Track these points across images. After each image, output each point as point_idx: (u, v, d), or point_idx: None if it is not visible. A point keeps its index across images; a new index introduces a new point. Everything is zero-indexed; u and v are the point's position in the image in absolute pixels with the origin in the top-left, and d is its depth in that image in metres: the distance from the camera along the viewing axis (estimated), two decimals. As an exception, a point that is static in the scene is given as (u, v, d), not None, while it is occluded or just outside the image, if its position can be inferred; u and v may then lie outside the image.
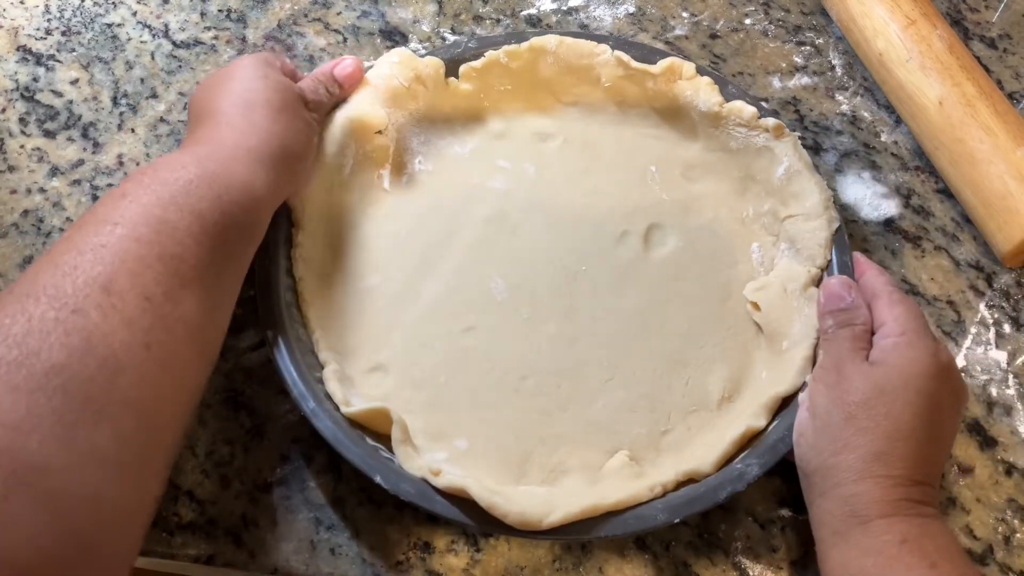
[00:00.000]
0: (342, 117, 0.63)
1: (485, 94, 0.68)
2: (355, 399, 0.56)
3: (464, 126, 0.68)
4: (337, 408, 0.55)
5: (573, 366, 0.59)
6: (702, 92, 0.64)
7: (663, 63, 0.65)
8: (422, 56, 0.66)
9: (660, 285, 0.62)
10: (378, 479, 0.52)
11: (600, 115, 0.68)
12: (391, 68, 0.65)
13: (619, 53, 0.66)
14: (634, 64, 0.66)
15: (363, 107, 0.64)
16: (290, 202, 0.61)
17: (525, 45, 0.67)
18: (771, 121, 0.63)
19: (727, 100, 0.64)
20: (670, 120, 0.67)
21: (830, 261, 0.60)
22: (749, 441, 0.55)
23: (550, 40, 0.67)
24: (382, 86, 0.65)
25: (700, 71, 0.65)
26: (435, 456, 0.55)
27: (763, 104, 0.65)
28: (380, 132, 0.65)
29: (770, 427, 0.55)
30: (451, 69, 0.67)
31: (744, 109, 0.63)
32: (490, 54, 0.67)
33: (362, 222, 0.64)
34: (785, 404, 0.56)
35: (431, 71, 0.66)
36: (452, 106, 0.68)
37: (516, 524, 0.50)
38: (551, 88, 0.68)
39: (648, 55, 0.67)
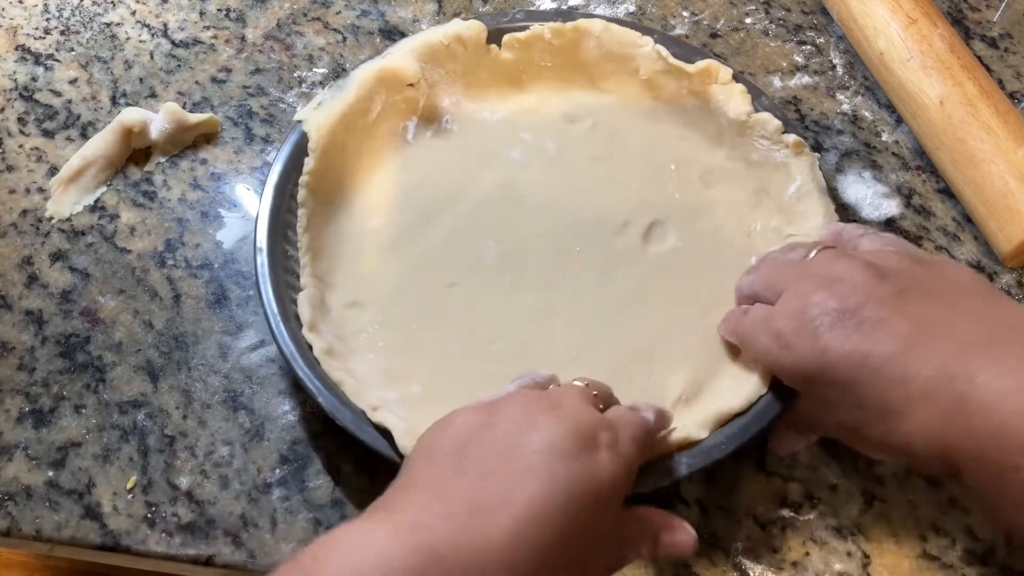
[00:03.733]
0: (376, 64, 0.65)
1: (524, 67, 0.69)
2: (324, 327, 0.58)
3: (498, 94, 0.69)
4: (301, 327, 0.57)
5: (543, 339, 0.59)
6: (733, 99, 0.64)
7: (700, 64, 0.65)
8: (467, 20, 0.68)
9: (649, 280, 0.62)
10: (321, 400, 0.54)
11: (633, 107, 0.68)
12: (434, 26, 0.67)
13: (660, 47, 0.66)
14: (672, 60, 0.66)
15: (398, 58, 0.65)
16: (308, 130, 0.63)
17: (570, 25, 0.67)
18: (791, 138, 0.62)
19: (757, 111, 0.64)
20: (699, 122, 0.67)
21: None
22: (686, 447, 0.54)
23: (596, 24, 0.67)
24: (421, 40, 0.66)
25: (736, 78, 0.65)
26: (386, 395, 0.56)
27: (765, 100, 0.65)
28: (412, 85, 0.66)
29: (708, 435, 0.54)
30: (495, 37, 0.68)
31: (769, 122, 0.63)
32: (535, 28, 0.67)
33: (377, 167, 0.65)
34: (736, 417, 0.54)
35: (473, 34, 0.67)
36: (489, 73, 0.68)
37: None
38: (590, 72, 0.68)
39: (690, 54, 0.66)
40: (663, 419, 0.52)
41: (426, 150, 0.67)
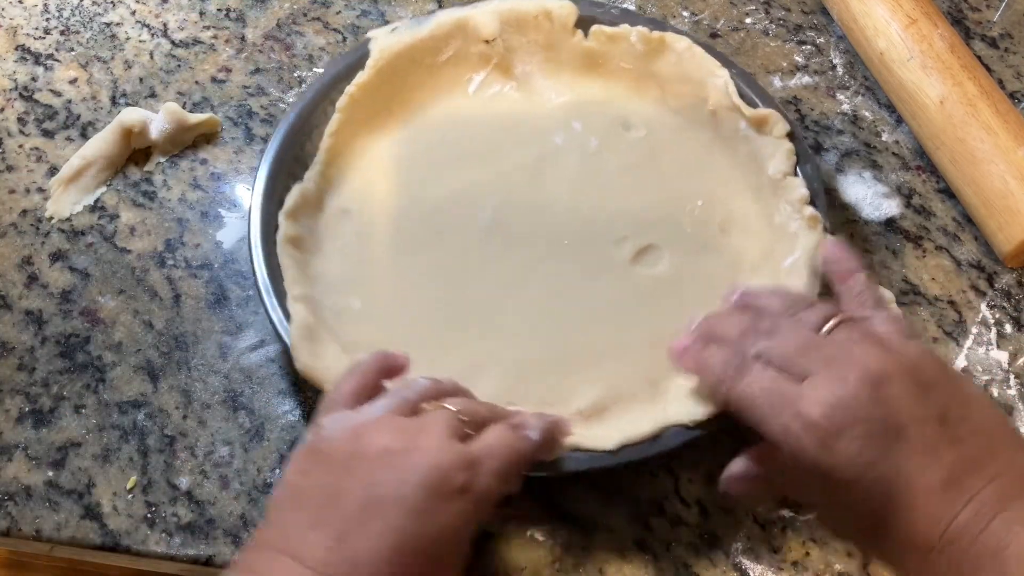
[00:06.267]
0: (459, 12, 0.68)
1: (604, 61, 0.69)
2: (305, 220, 0.61)
3: (570, 78, 0.70)
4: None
5: (489, 312, 0.61)
6: (777, 156, 0.62)
7: (758, 111, 0.63)
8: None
9: (621, 297, 0.61)
10: (258, 274, 0.58)
11: (692, 133, 0.67)
12: None
13: (730, 82, 0.64)
14: (734, 98, 0.64)
15: (481, 13, 0.68)
16: (372, 48, 0.66)
17: (657, 35, 0.67)
18: (809, 211, 0.60)
19: (796, 175, 0.61)
20: (746, 170, 0.65)
21: None
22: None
23: (681, 42, 0.67)
24: (510, 4, 0.68)
25: (793, 135, 0.63)
26: (324, 298, 0.59)
27: (809, 168, 0.62)
28: (488, 42, 0.68)
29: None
30: (584, 24, 0.68)
31: (796, 189, 0.61)
32: (624, 27, 0.68)
33: (427, 106, 0.68)
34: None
35: (563, 13, 0.68)
36: (569, 55, 0.69)
37: (300, 369, 0.55)
38: (662, 86, 0.68)
39: (763, 100, 0.64)
40: (555, 431, 0.51)
41: (480, 107, 0.69)
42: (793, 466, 0.47)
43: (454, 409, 0.49)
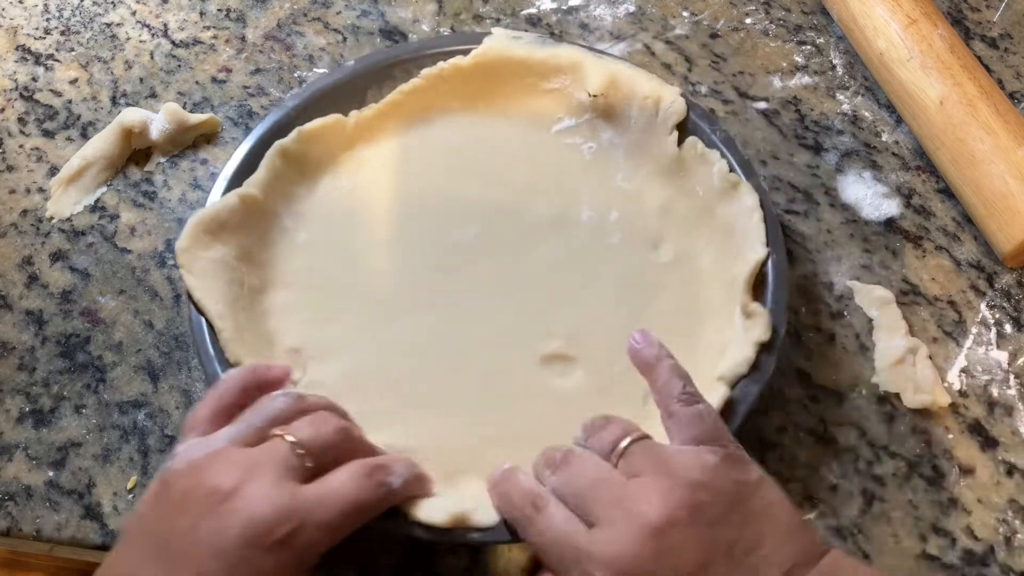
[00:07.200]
0: (581, 52, 0.66)
1: (683, 175, 0.63)
2: (320, 148, 0.63)
3: (645, 173, 0.64)
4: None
5: (385, 316, 0.59)
6: (744, 345, 0.55)
7: (747, 306, 0.56)
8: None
9: (506, 380, 0.57)
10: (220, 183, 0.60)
11: (711, 287, 0.60)
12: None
13: (754, 269, 0.57)
14: (745, 283, 0.57)
15: (596, 65, 0.65)
16: (487, 39, 0.66)
17: (734, 178, 0.60)
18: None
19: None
20: (729, 342, 0.57)
21: None
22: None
23: (750, 198, 0.60)
24: (627, 71, 0.65)
25: (774, 340, 0.55)
26: (285, 220, 0.61)
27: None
28: (592, 96, 0.64)
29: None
30: (685, 131, 0.63)
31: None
32: (715, 153, 0.62)
33: (506, 119, 0.67)
34: None
35: (672, 108, 0.63)
36: (657, 151, 0.64)
37: (176, 247, 0.57)
38: (713, 229, 0.61)
39: (786, 285, 0.58)
40: (420, 484, 0.50)
41: (550, 148, 0.66)
42: None
43: (295, 440, 0.47)
